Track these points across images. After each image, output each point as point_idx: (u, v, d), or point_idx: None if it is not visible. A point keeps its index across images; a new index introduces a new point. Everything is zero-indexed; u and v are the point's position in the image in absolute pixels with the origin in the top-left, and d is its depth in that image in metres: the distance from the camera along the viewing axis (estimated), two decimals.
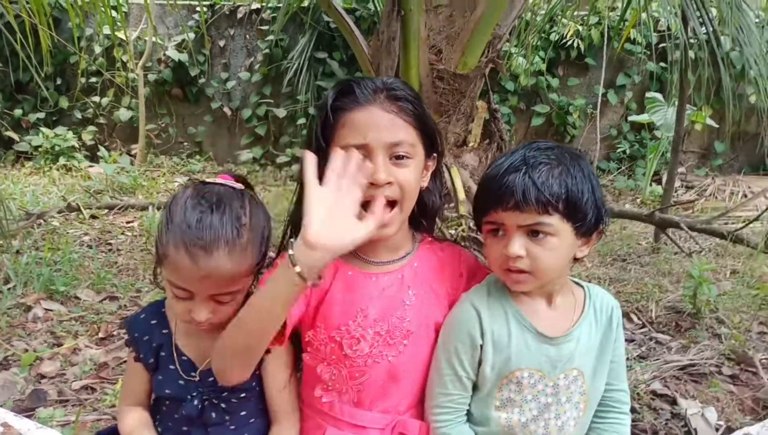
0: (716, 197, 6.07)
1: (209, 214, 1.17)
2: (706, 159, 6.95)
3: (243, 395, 1.35)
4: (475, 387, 1.31)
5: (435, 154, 1.36)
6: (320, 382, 1.35)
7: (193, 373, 1.33)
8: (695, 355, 2.70)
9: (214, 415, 1.32)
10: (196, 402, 1.31)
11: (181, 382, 1.33)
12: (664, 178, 6.27)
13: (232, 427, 1.35)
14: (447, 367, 1.29)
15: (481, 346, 1.26)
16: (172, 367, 1.33)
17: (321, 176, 1.23)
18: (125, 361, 2.60)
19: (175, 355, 1.34)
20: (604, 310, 1.34)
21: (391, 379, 1.33)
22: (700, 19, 3.59)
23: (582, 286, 1.36)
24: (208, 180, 1.26)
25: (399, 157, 1.25)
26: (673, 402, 2.33)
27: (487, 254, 1.28)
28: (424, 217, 1.41)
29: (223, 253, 1.16)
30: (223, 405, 1.33)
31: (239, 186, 1.27)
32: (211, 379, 1.32)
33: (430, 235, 1.45)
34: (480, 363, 1.27)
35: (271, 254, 1.29)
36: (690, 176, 6.66)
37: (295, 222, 1.33)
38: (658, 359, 2.65)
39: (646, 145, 6.52)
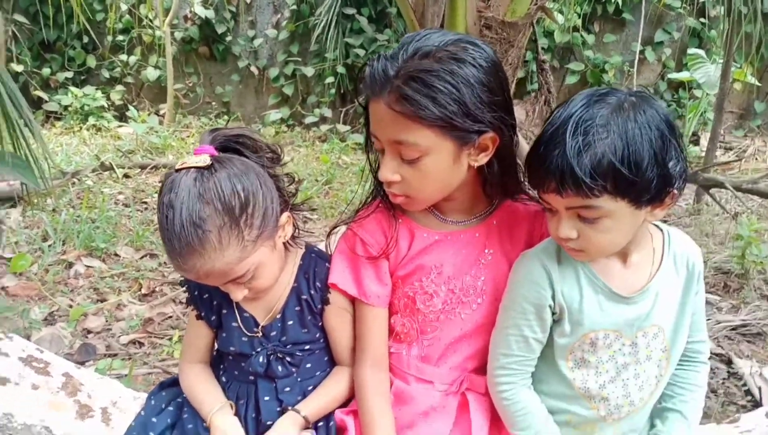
0: (756, 159, 5.90)
1: (168, 220, 1.08)
2: (745, 119, 6.75)
3: (307, 347, 1.33)
4: (544, 347, 1.24)
5: (490, 134, 1.15)
6: (392, 333, 1.33)
7: (255, 329, 1.31)
8: (747, 316, 2.64)
9: (280, 368, 1.30)
10: (261, 358, 1.29)
11: (244, 338, 1.31)
12: (702, 139, 6.12)
13: (299, 379, 1.33)
14: (512, 327, 1.21)
15: (551, 307, 1.18)
16: (234, 324, 1.31)
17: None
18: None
19: (236, 312, 1.31)
20: (685, 259, 1.23)
21: (462, 336, 1.29)
22: None
23: (662, 230, 1.24)
24: (178, 165, 1.14)
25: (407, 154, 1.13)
26: (729, 362, 2.28)
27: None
28: (492, 186, 1.26)
29: (196, 258, 1.09)
30: (288, 359, 1.31)
31: (203, 161, 1.13)
32: (274, 333, 1.30)
33: (520, 194, 1.32)
34: (549, 325, 1.20)
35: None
36: (728, 137, 6.48)
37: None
38: (709, 319, 2.59)
39: (683, 104, 6.33)
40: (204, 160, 1.13)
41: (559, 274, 1.18)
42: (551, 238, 1.21)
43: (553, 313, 1.19)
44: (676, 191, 1.07)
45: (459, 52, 1.10)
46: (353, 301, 1.31)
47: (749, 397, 2.08)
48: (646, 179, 1.01)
